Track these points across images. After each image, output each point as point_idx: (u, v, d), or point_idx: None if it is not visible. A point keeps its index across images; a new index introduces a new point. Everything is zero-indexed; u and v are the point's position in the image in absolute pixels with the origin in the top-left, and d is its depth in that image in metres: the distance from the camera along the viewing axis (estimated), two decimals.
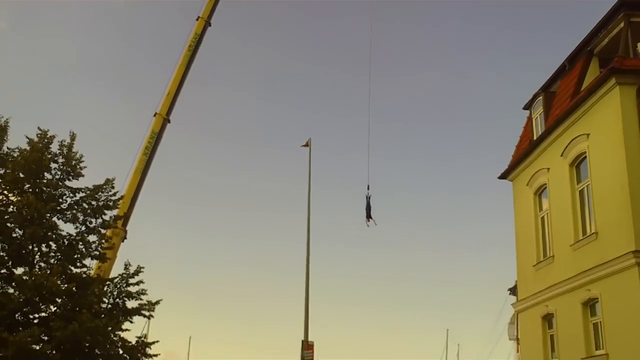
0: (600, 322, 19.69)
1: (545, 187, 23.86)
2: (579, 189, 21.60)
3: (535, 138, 24.68)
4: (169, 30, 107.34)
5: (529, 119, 26.16)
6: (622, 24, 20.67)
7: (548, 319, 23.13)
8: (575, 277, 20.73)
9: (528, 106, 26.38)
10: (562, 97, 23.39)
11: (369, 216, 27.99)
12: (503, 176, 27.31)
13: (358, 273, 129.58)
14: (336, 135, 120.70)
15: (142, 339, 25.45)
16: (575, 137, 21.54)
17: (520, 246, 25.74)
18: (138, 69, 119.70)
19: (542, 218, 24.21)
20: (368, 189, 28.14)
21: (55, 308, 23.23)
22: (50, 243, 24.14)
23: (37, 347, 21.64)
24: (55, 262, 23.74)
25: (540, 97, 25.14)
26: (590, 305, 20.34)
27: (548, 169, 23.53)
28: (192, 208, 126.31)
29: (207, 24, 37.82)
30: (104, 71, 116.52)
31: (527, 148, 25.25)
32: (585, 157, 21.08)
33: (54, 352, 21.88)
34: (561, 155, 22.35)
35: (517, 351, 29.45)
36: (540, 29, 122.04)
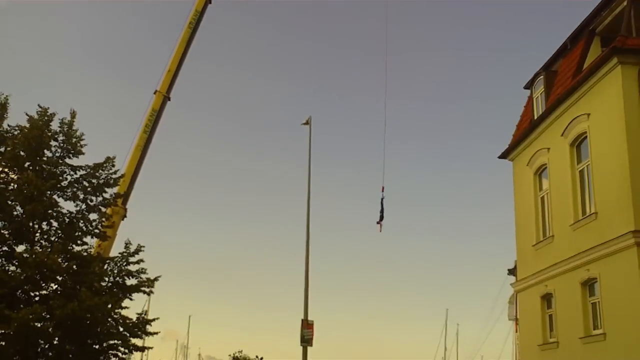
0: (598, 301, 19.76)
1: (546, 167, 23.81)
2: (579, 169, 21.56)
3: (535, 118, 24.58)
4: (170, 6, 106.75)
5: (530, 98, 26.04)
6: (624, 3, 20.49)
7: (547, 298, 23.19)
8: (575, 257, 20.76)
9: (529, 85, 26.24)
10: (563, 77, 23.27)
11: (381, 219, 26.14)
12: (503, 156, 27.23)
13: (359, 254, 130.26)
14: (337, 114, 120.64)
15: (143, 315, 25.56)
16: (576, 117, 21.46)
17: (520, 226, 25.74)
18: (139, 47, 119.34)
19: (542, 198, 24.19)
20: (382, 190, 26.45)
21: (56, 286, 23.32)
22: (51, 221, 24.18)
23: (38, 325, 21.78)
24: (56, 240, 23.79)
25: (542, 77, 25.00)
26: (589, 285, 20.40)
27: (548, 148, 23.46)
28: (192, 188, 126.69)
29: (208, 0, 37.58)
30: (104, 49, 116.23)
31: (527, 128, 25.17)
32: (586, 137, 21.02)
33: (54, 329, 21.99)
34: (562, 135, 22.28)
35: (516, 331, 29.57)
36: (542, 8, 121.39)
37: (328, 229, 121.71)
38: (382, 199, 26.31)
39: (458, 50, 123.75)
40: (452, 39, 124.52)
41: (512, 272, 28.13)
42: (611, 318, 18.89)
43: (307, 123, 27.34)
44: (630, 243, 18.00)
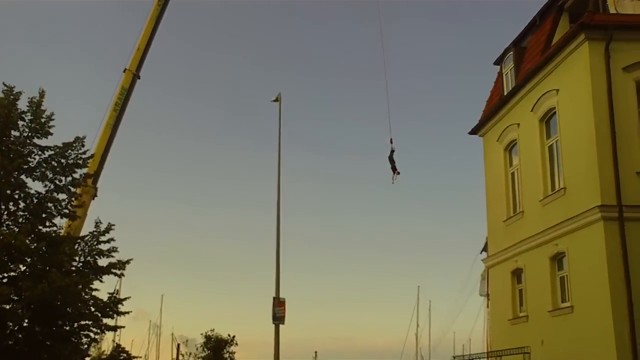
0: (566, 275, 20.03)
1: (516, 143, 23.95)
2: (549, 145, 21.72)
3: (505, 93, 24.66)
4: None
5: (500, 74, 26.11)
6: None
7: (517, 274, 23.44)
8: (544, 232, 20.98)
9: (499, 61, 26.30)
10: (532, 53, 23.34)
11: (394, 170, 25.62)
12: (473, 132, 27.33)
13: (331, 235, 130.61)
14: (308, 92, 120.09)
15: (114, 295, 25.40)
16: (545, 93, 21.57)
17: (491, 202, 25.92)
18: (108, 24, 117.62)
19: (512, 174, 24.36)
20: (391, 142, 25.95)
21: (25, 267, 23.04)
22: (19, 202, 23.81)
23: (7, 307, 21.54)
24: (24, 221, 23.47)
25: (511, 53, 25.07)
26: (557, 259, 20.64)
27: (518, 124, 23.57)
28: (161, 170, 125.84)
29: None
30: (72, 26, 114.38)
31: (497, 103, 25.26)
32: (555, 112, 21.16)
33: (24, 311, 21.77)
34: (531, 111, 22.39)
35: (487, 306, 29.83)
36: None
37: (299, 210, 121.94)
38: (392, 151, 25.82)
39: (428, 24, 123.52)
40: (420, 14, 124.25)
41: (484, 248, 28.36)
42: (578, 291, 19.17)
43: (277, 100, 27.16)
44: (596, 217, 18.22)
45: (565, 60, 20.39)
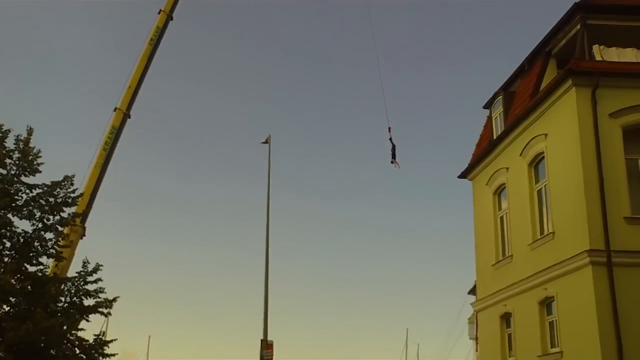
0: (555, 320, 19.93)
1: (505, 187, 24.04)
2: (537, 189, 21.81)
3: (494, 137, 24.84)
4: (131, 21, 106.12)
5: (489, 118, 26.34)
6: (578, 26, 20.93)
7: (506, 317, 23.33)
8: (533, 277, 20.94)
9: (488, 105, 26.56)
10: (521, 97, 23.59)
11: (394, 157, 27.02)
12: (463, 175, 27.47)
13: (317, 277, 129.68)
14: (297, 133, 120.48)
15: (100, 337, 25.06)
16: (534, 137, 21.74)
17: (480, 246, 25.92)
18: (99, 63, 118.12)
19: (501, 217, 24.41)
20: (389, 131, 27.37)
21: (9, 307, 22.74)
22: (4, 240, 23.60)
23: None
24: (10, 260, 23.23)
25: (500, 97, 25.33)
26: (546, 304, 20.56)
27: (507, 168, 23.70)
28: (149, 209, 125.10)
29: (170, 17, 37.31)
30: (63, 63, 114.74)
31: (486, 147, 25.42)
32: (544, 157, 21.31)
33: (6, 352, 21.39)
34: (520, 155, 22.53)
35: (476, 350, 29.64)
36: (501, 29, 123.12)
37: (287, 251, 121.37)
38: (390, 139, 27.11)
39: (418, 68, 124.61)
40: (411, 58, 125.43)
41: (472, 291, 28.27)
42: (568, 336, 19.07)
43: (266, 142, 27.27)
44: (585, 262, 18.22)
45: (553, 105, 20.61)
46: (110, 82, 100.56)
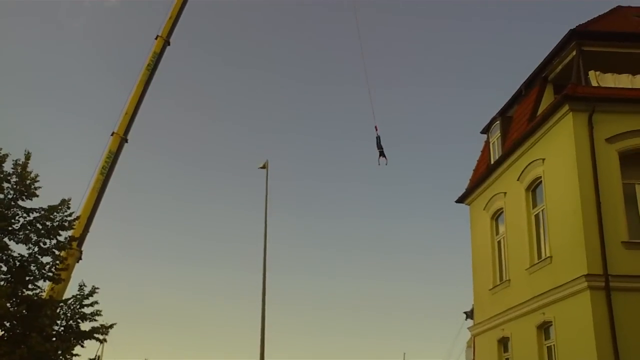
0: (554, 345, 19.84)
1: (502, 211, 24.09)
2: (535, 213, 21.85)
3: (492, 162, 24.94)
4: (127, 46, 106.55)
5: (487, 143, 26.47)
6: (574, 52, 21.14)
7: (504, 342, 23.25)
8: (531, 301, 20.90)
9: (485, 130, 26.70)
10: (518, 122, 23.73)
11: (382, 154, 27.84)
12: (460, 200, 27.53)
13: (314, 299, 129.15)
14: (295, 158, 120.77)
15: None
16: (531, 162, 21.82)
17: (477, 270, 25.91)
18: (96, 87, 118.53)
19: (499, 242, 24.43)
20: (376, 129, 28.17)
21: (3, 332, 22.57)
22: (0, 264, 23.51)
23: None
24: (5, 284, 23.11)
25: (498, 122, 25.47)
26: (544, 328, 20.51)
27: (505, 193, 23.77)
28: (147, 233, 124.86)
29: (167, 43, 37.53)
30: (60, 89, 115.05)
31: (484, 172, 25.51)
32: (541, 181, 21.36)
33: None
34: (517, 180, 22.61)
35: None
36: (498, 55, 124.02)
37: (285, 273, 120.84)
38: (378, 137, 28.16)
39: (415, 92, 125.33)
40: (408, 83, 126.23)
41: (469, 315, 28.20)
42: None
43: (264, 167, 27.34)
44: (583, 287, 18.19)
45: (551, 130, 20.72)
46: (108, 105, 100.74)
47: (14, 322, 22.51)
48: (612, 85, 20.69)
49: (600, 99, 19.77)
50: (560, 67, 22.14)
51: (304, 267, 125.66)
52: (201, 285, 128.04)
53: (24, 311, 22.65)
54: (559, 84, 22.29)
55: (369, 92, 36.03)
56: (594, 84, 20.70)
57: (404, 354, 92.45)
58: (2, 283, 23.09)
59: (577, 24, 21.65)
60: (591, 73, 20.79)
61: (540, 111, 22.23)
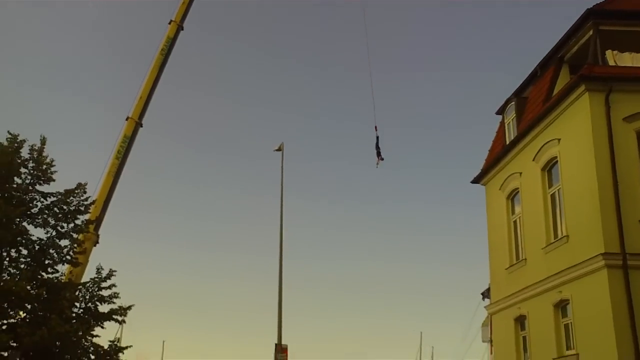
0: (570, 323, 19.95)
1: (518, 191, 24.13)
2: (551, 193, 21.87)
3: (507, 143, 24.94)
4: (141, 32, 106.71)
5: (502, 123, 26.46)
6: (590, 32, 21.07)
7: (520, 320, 23.37)
8: (547, 280, 20.98)
9: (501, 111, 26.69)
10: (534, 103, 23.70)
11: (379, 155, 27.94)
12: (476, 180, 27.55)
13: (332, 280, 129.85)
14: (310, 140, 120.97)
15: (115, 343, 25.21)
16: (547, 142, 21.82)
17: (493, 250, 25.99)
18: (111, 72, 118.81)
19: (515, 222, 24.48)
20: (376, 129, 28.22)
21: (25, 314, 22.90)
22: (20, 248, 23.79)
23: (5, 354, 21.34)
24: (26, 267, 23.41)
25: (513, 103, 25.44)
26: (561, 307, 20.60)
27: (520, 173, 23.80)
28: (164, 216, 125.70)
29: (180, 27, 37.64)
30: (76, 73, 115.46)
31: (499, 152, 25.52)
32: (557, 161, 21.37)
33: (22, 358, 21.55)
34: (533, 160, 22.62)
35: (491, 353, 29.61)
36: (513, 36, 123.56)
37: (301, 255, 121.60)
38: (377, 137, 28.30)
39: (431, 75, 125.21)
40: (423, 65, 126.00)
41: (485, 294, 28.33)
42: (583, 339, 19.08)
43: (279, 149, 27.41)
44: (600, 265, 18.26)
45: (566, 110, 20.70)
46: (124, 90, 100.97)
47: (35, 304, 22.86)
48: (630, 65, 20.63)
49: (618, 79, 19.73)
50: (576, 47, 22.07)
51: (320, 247, 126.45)
52: (218, 269, 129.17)
53: (44, 294, 23.03)
54: (575, 64, 22.23)
55: (372, 96, 35.82)
56: (611, 63, 20.63)
57: (421, 333, 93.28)
58: (22, 266, 23.44)
59: (594, 3, 21.56)
60: (608, 52, 20.72)
61: (555, 92, 22.19)
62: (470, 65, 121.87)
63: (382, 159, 28.21)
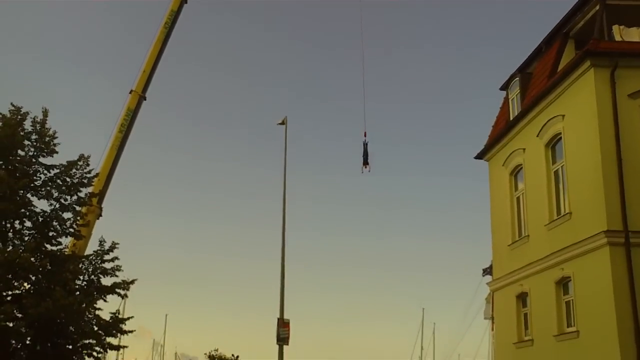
0: (572, 300, 19.99)
1: (521, 168, 24.04)
2: (554, 170, 21.80)
3: (511, 119, 24.81)
4: (145, 5, 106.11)
5: (506, 99, 26.30)
6: (597, 7, 20.81)
7: (522, 297, 23.41)
8: (549, 257, 20.99)
9: (505, 87, 26.50)
10: (538, 79, 23.52)
11: (365, 162, 27.39)
12: (479, 156, 27.45)
13: (335, 256, 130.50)
14: (313, 114, 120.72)
15: (117, 315, 25.37)
16: (551, 118, 21.69)
17: (496, 226, 25.96)
18: (114, 44, 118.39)
19: (518, 198, 24.43)
20: (365, 135, 27.70)
21: (29, 285, 23.03)
22: (24, 220, 23.87)
23: (10, 325, 21.49)
24: (30, 239, 23.50)
25: (517, 78, 25.25)
26: (563, 284, 20.63)
27: (524, 149, 23.70)
28: (166, 190, 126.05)
29: (184, 0, 37.42)
30: (79, 46, 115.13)
31: (503, 128, 25.40)
32: (561, 138, 21.27)
33: (27, 329, 21.71)
34: (537, 136, 22.51)
35: (492, 329, 29.78)
36: (518, 11, 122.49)
37: (304, 230, 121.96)
38: (365, 144, 27.55)
39: (435, 50, 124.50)
40: (427, 42, 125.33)
41: (487, 271, 28.35)
42: (584, 316, 19.13)
43: (283, 123, 27.29)
44: (602, 242, 18.25)
45: (571, 86, 20.54)
46: (127, 64, 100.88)
47: (39, 276, 22.95)
48: (637, 40, 20.42)
49: (624, 54, 19.53)
50: (582, 22, 21.81)
51: (322, 223, 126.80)
52: (220, 243, 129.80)
53: (48, 265, 23.09)
54: (580, 40, 21.99)
55: (364, 100, 35.21)
56: (618, 38, 20.42)
57: (423, 309, 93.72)
58: (26, 238, 23.54)
59: None
60: (615, 27, 20.49)
61: (560, 67, 21.99)
62: (474, 41, 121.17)
63: (368, 166, 27.51)
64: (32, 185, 24.18)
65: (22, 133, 24.32)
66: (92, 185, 26.66)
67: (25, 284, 23.03)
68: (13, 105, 24.70)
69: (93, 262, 25.02)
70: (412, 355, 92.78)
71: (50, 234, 24.24)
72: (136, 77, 35.39)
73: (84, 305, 23.02)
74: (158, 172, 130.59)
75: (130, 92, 34.84)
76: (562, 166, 21.20)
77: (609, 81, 19.28)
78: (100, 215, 31.41)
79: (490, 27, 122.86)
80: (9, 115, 24.36)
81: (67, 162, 25.05)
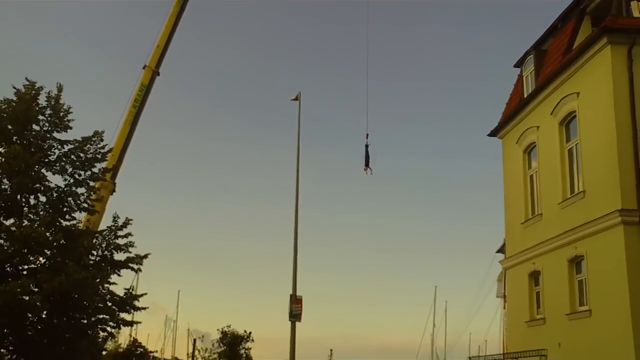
0: (585, 279, 19.95)
1: (535, 146, 23.88)
2: (568, 148, 21.64)
3: (525, 96, 24.61)
4: None
5: (520, 76, 26.06)
6: None
7: (535, 276, 23.38)
8: (563, 235, 20.91)
9: (519, 64, 26.25)
10: (553, 56, 23.26)
11: (367, 165, 27.18)
12: (493, 134, 27.28)
13: (349, 234, 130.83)
14: (327, 90, 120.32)
15: (131, 291, 25.60)
16: (566, 96, 21.49)
17: (509, 204, 25.86)
18: (128, 20, 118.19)
19: (531, 176, 24.30)
20: (367, 137, 27.37)
21: (44, 260, 23.26)
22: (39, 195, 24.05)
23: (26, 298, 21.74)
24: (45, 214, 23.68)
25: (532, 55, 24.98)
26: (576, 262, 20.57)
27: (538, 127, 23.52)
28: (181, 167, 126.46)
29: None
30: (93, 22, 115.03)
31: (517, 106, 25.21)
32: (575, 115, 21.08)
33: (42, 303, 21.95)
34: (551, 114, 22.32)
35: (504, 308, 29.75)
36: None
37: (317, 208, 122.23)
38: (366, 146, 27.20)
39: (449, 28, 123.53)
40: (440, 18, 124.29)
41: (500, 250, 28.30)
42: (597, 295, 19.08)
43: (296, 99, 27.21)
44: (616, 221, 18.15)
45: (587, 63, 20.31)
46: (140, 40, 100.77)
47: (54, 250, 23.16)
48: None
49: None
50: None
51: (336, 201, 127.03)
52: (233, 221, 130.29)
53: (62, 240, 23.29)
54: (597, 16, 21.65)
55: (366, 100, 34.95)
56: (636, 15, 20.08)
57: (435, 287, 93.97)
58: (41, 213, 23.72)
59: None
60: (633, 3, 20.13)
61: (576, 44, 21.72)
62: (489, 18, 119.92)
63: (369, 169, 27.16)
64: (46, 160, 24.34)
65: (36, 108, 24.44)
66: (105, 160, 26.80)
67: (40, 259, 23.28)
68: (28, 80, 24.82)
69: (107, 238, 25.21)
70: (424, 332, 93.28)
71: (65, 209, 24.43)
72: (150, 52, 35.39)
73: (98, 280, 23.23)
74: (172, 149, 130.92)
75: (143, 68, 34.85)
76: (576, 144, 21.05)
77: (626, 59, 19.05)
78: (114, 191, 31.59)
79: (505, 4, 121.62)
80: (23, 90, 24.45)
81: (82, 137, 25.17)
